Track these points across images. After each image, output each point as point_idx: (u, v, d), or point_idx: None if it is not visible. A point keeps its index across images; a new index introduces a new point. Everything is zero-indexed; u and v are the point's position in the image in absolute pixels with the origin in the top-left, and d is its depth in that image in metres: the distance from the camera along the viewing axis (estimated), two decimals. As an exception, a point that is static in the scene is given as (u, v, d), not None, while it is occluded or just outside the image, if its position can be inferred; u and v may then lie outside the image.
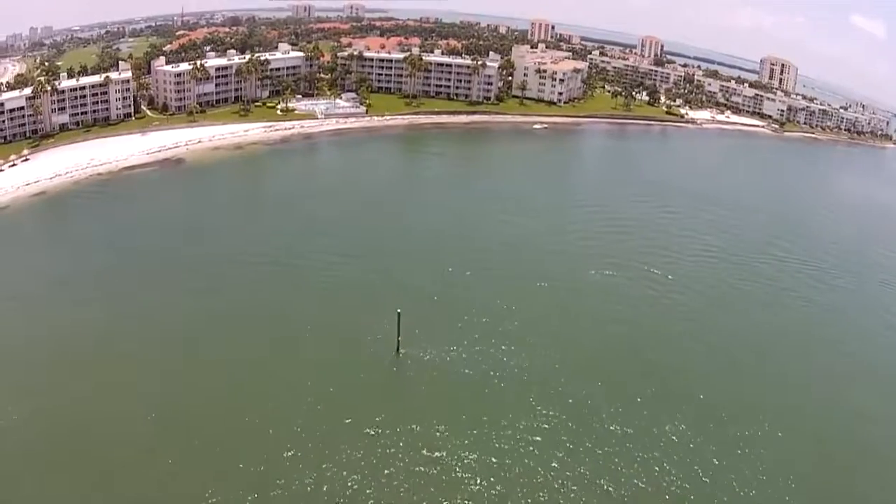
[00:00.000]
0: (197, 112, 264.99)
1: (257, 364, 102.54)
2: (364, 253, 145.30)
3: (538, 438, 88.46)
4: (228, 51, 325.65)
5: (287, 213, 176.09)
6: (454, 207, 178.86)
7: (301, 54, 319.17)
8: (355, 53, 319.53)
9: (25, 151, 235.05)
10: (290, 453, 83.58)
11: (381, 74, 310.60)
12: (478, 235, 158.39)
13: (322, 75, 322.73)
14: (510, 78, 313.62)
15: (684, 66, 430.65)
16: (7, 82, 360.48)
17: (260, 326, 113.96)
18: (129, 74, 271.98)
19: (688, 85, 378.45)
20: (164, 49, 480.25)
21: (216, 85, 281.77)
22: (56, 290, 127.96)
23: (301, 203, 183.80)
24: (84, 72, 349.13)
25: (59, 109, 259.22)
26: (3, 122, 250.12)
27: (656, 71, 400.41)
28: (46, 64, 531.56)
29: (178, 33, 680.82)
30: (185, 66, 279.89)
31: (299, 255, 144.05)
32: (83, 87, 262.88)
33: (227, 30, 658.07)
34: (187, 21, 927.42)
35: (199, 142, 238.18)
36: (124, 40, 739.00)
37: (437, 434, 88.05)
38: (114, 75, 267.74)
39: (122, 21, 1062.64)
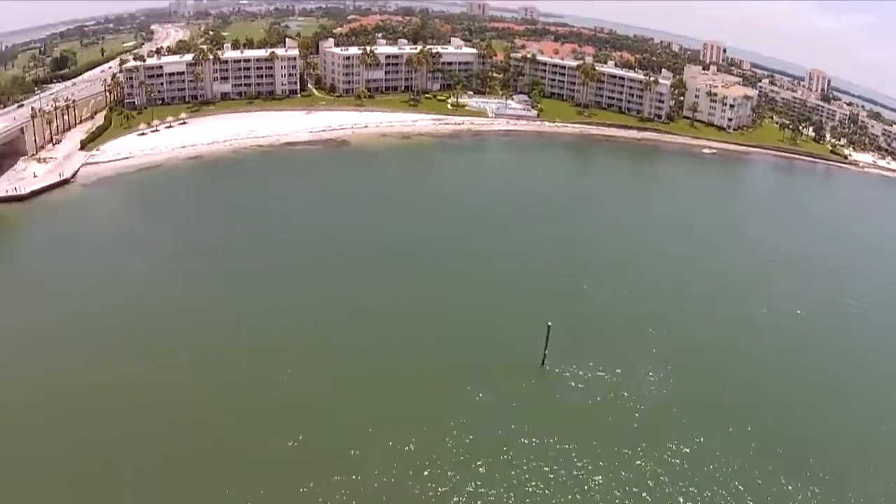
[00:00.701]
0: (365, 97, 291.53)
1: (390, 357, 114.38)
2: (522, 259, 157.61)
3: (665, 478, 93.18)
4: (399, 40, 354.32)
5: (451, 208, 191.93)
6: (624, 225, 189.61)
7: (474, 51, 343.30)
8: (529, 56, 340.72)
9: (183, 115, 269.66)
10: (420, 461, 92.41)
11: (554, 80, 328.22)
12: (646, 254, 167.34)
13: (494, 74, 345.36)
14: (681, 98, 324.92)
15: (849, 104, 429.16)
16: (168, 46, 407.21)
17: (401, 317, 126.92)
18: (295, 52, 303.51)
19: (852, 125, 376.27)
20: (333, 31, 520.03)
21: (386, 72, 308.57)
22: (204, 257, 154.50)
23: (465, 200, 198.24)
24: (249, 45, 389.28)
25: (221, 79, 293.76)
26: (162, 84, 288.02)
27: (823, 107, 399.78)
28: (211, 33, 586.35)
29: (349, 17, 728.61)
30: (354, 50, 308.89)
31: (453, 250, 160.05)
32: (248, 60, 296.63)
33: (399, 19, 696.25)
34: (359, 6, 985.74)
35: (366, 126, 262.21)
36: (293, 18, 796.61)
37: (574, 453, 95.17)
38: (280, 51, 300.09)
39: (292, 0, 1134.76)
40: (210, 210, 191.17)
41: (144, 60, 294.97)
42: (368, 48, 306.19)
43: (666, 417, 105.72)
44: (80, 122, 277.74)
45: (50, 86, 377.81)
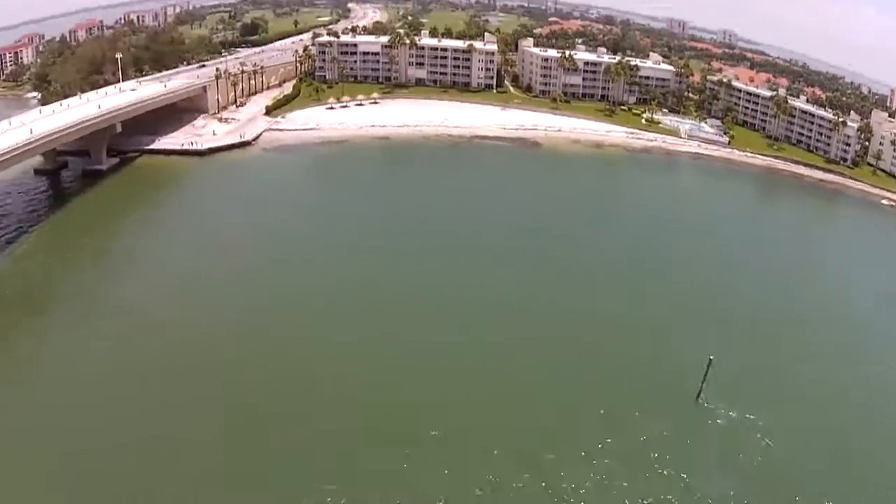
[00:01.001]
0: (561, 101, 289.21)
1: (534, 378, 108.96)
2: (699, 284, 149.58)
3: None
4: (599, 48, 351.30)
5: (639, 224, 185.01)
6: (804, 266, 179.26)
7: (671, 68, 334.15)
8: (725, 80, 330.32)
9: (375, 95, 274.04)
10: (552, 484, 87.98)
11: (748, 108, 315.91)
12: (833, 305, 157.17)
13: (690, 95, 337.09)
14: (867, 143, 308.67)
15: None
16: (364, 26, 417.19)
17: (544, 330, 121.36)
18: (494, 47, 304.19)
19: None
20: (533, 31, 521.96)
21: (583, 79, 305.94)
22: (374, 236, 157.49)
23: (653, 218, 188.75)
24: (448, 34, 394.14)
25: (416, 64, 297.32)
26: (356, 62, 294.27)
27: None
28: (410, 18, 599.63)
29: (550, 19, 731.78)
30: (553, 53, 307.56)
31: (637, 263, 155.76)
32: (445, 49, 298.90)
33: (600, 26, 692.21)
34: (560, 9, 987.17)
35: (559, 130, 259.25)
36: (494, 13, 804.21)
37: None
38: (478, 45, 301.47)
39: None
40: (391, 191, 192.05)
41: (338, 36, 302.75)
42: (567, 52, 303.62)
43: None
44: (268, 88, 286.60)
45: (238, 50, 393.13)
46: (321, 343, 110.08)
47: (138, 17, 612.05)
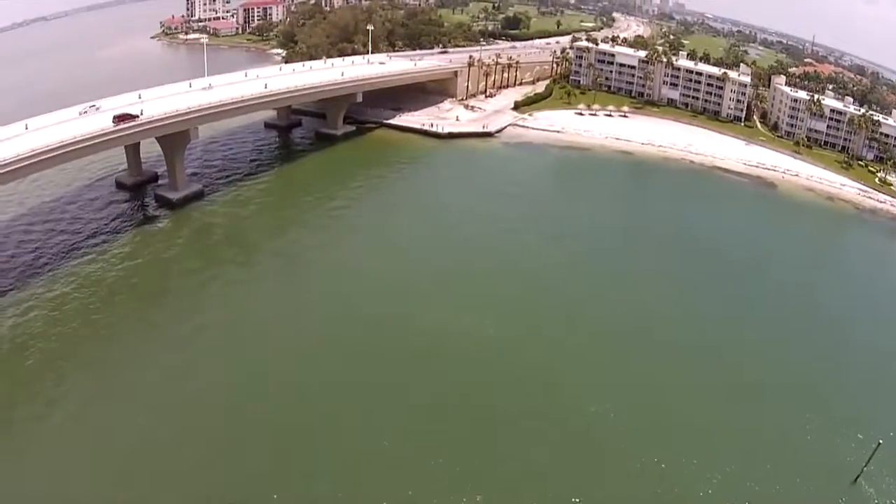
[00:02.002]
0: (804, 145, 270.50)
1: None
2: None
3: None
4: (846, 97, 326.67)
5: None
6: None
7: None
8: None
9: (625, 108, 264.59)
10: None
11: None
12: None
13: None
14: None
15: None
16: (625, 38, 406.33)
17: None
18: (748, 80, 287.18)
19: None
20: (788, 69, 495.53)
21: (827, 126, 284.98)
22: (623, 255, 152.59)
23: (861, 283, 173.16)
24: (706, 59, 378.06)
25: (671, 84, 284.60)
26: (611, 72, 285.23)
27: None
28: (672, 37, 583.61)
29: (805, 59, 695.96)
30: (802, 95, 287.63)
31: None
32: (700, 73, 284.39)
33: (851, 75, 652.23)
34: (817, 51, 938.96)
35: (797, 175, 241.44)
36: (753, 46, 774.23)
37: None
38: (732, 74, 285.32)
39: (756, 27, 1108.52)
40: (634, 209, 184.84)
41: (597, 44, 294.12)
42: (816, 97, 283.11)
43: None
44: (520, 83, 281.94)
45: (496, 41, 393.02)
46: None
47: None
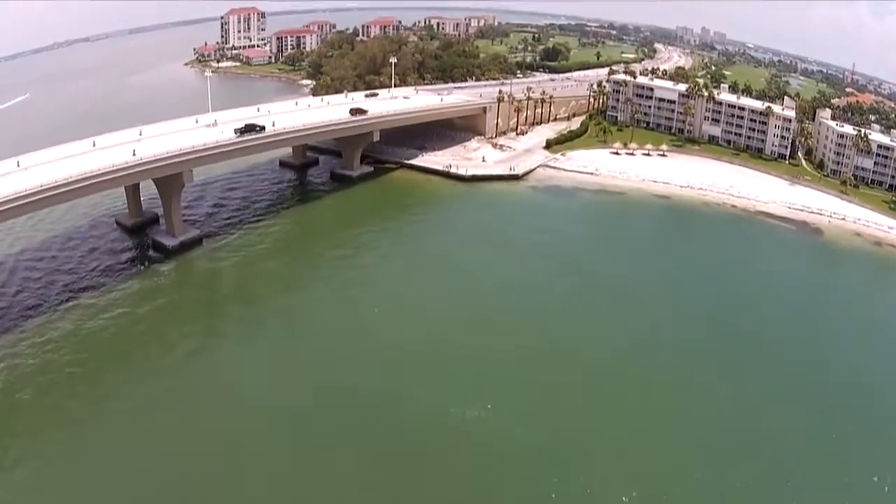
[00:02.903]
0: (850, 184, 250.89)
1: None
2: None
3: None
4: (892, 129, 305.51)
5: None
6: None
7: None
8: None
9: (664, 147, 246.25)
10: None
11: None
12: None
13: None
14: None
15: None
16: (665, 70, 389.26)
17: None
18: (792, 114, 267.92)
19: None
20: (831, 101, 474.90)
21: (874, 163, 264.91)
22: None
23: None
24: (748, 92, 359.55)
25: (712, 120, 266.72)
26: (650, 107, 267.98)
27: None
28: (713, 68, 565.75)
29: (847, 89, 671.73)
30: (849, 129, 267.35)
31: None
32: (742, 108, 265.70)
33: (892, 104, 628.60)
34: (857, 80, 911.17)
35: (844, 219, 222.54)
36: (795, 76, 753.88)
37: None
38: (776, 108, 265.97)
39: (796, 56, 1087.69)
40: (671, 264, 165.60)
41: (635, 77, 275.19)
42: (863, 131, 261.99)
43: None
44: (554, 119, 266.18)
45: (534, 73, 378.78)
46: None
47: (438, 24, 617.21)
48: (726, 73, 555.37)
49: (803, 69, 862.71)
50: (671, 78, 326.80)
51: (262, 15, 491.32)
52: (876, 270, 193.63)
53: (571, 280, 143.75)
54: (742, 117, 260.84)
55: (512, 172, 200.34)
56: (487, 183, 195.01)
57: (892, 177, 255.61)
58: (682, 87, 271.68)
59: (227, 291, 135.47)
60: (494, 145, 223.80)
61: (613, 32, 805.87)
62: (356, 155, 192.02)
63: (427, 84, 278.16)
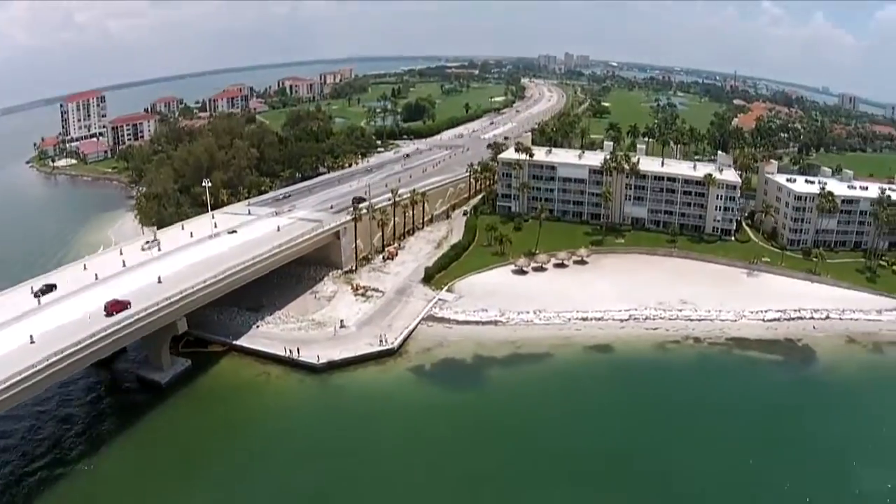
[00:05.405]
0: (815, 256, 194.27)
1: None
2: None
3: None
4: (845, 170, 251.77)
5: None
6: None
7: None
8: None
9: (583, 251, 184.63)
10: None
11: None
12: None
13: None
14: None
15: None
16: (541, 123, 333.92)
17: None
18: (736, 180, 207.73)
19: None
20: (729, 119, 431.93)
21: (838, 221, 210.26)
22: None
23: None
24: (650, 135, 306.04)
25: (634, 198, 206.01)
26: (552, 191, 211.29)
27: None
28: (590, 101, 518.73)
29: (735, 101, 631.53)
30: (806, 187, 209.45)
31: None
32: (673, 180, 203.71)
33: (786, 111, 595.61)
34: (737, 86, 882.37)
35: (827, 318, 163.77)
36: (671, 92, 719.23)
37: None
38: (716, 174, 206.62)
39: (664, 67, 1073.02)
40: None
41: (531, 154, 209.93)
42: (825, 187, 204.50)
43: None
44: (430, 221, 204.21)
45: (397, 143, 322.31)
46: None
47: (292, 87, 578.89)
48: (606, 104, 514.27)
49: (679, 82, 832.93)
50: (557, 128, 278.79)
51: (102, 99, 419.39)
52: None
53: None
54: (673, 191, 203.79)
55: (384, 346, 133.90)
56: (350, 371, 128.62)
57: (858, 233, 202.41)
58: (595, 160, 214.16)
59: None
60: (356, 289, 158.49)
61: (476, 73, 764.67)
62: (163, 349, 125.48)
63: (269, 186, 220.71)
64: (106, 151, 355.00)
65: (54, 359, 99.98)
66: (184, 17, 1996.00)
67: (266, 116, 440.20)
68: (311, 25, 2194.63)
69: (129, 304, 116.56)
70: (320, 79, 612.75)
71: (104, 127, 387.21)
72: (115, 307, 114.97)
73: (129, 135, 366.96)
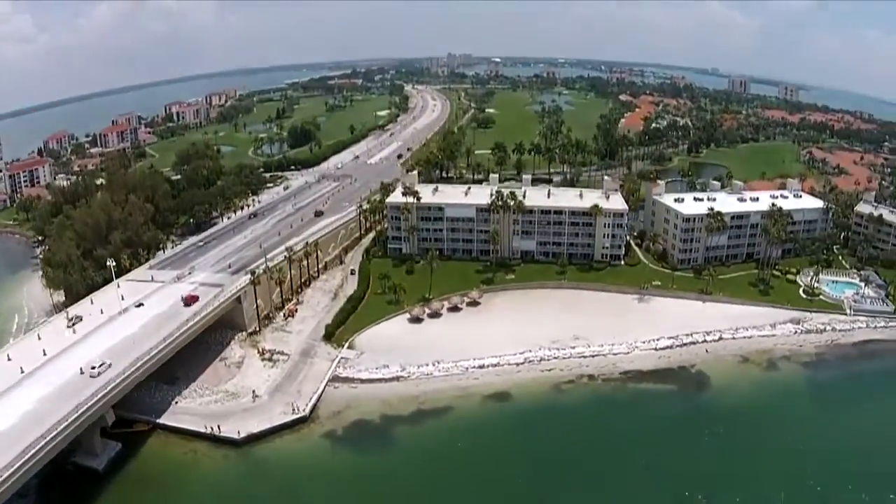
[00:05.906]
0: (706, 274, 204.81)
1: None
2: None
3: None
4: (735, 181, 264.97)
5: None
6: None
7: (818, 205, 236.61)
8: (875, 214, 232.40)
9: (474, 293, 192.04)
10: None
11: None
12: None
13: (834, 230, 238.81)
14: None
15: None
16: (425, 140, 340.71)
17: None
18: (623, 207, 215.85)
19: None
20: (617, 120, 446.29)
21: (728, 237, 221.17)
22: None
23: None
24: (536, 150, 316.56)
25: (522, 233, 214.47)
26: (441, 231, 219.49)
27: None
28: (475, 109, 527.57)
29: (621, 97, 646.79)
30: (694, 207, 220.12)
31: None
32: (560, 212, 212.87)
33: (674, 103, 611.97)
34: (623, 78, 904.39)
35: (720, 339, 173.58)
36: (558, 91, 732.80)
37: None
38: (604, 204, 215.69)
39: (547, 59, 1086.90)
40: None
41: (419, 198, 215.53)
42: (713, 208, 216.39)
43: None
44: (324, 268, 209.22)
45: (285, 175, 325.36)
46: None
47: (178, 114, 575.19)
48: (490, 109, 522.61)
49: (564, 78, 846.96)
50: (443, 148, 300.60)
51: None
52: (788, 411, 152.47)
53: None
54: (561, 223, 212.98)
55: (296, 414, 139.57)
56: (269, 442, 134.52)
57: (750, 245, 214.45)
58: (481, 193, 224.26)
59: None
60: (262, 353, 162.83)
61: (359, 82, 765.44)
62: (94, 435, 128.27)
63: (167, 240, 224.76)
64: (5, 200, 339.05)
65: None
66: (69, 41, 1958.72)
67: (155, 148, 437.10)
68: (192, 40, 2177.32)
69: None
70: (206, 101, 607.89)
71: (0, 171, 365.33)
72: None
73: (25, 181, 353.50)
